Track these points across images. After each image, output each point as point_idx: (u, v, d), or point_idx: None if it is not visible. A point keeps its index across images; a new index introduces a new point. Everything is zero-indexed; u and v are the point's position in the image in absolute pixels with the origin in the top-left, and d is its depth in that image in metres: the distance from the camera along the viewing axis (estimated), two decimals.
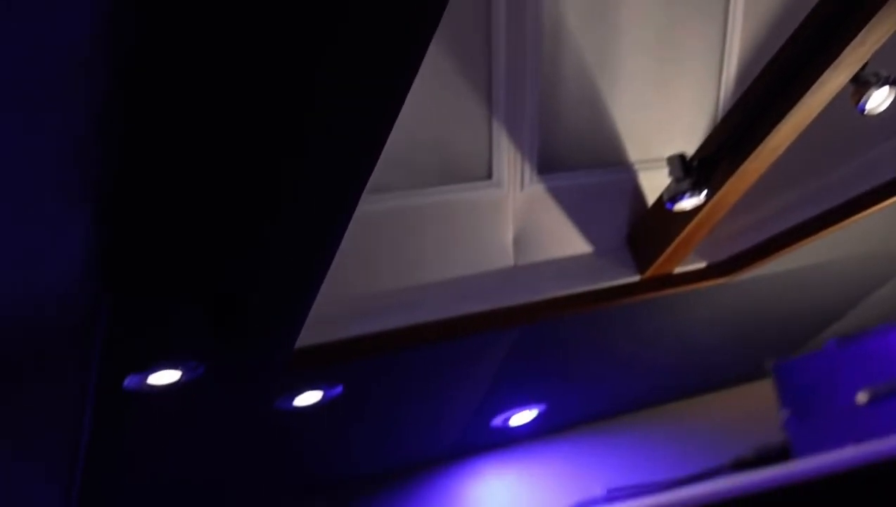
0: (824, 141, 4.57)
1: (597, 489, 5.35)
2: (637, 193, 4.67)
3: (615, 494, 1.39)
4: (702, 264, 4.90)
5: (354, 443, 5.69)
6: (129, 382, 4.20)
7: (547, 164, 4.49)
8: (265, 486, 6.01)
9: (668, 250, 4.62)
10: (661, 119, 4.47)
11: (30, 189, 3.01)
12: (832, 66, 3.61)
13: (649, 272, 4.75)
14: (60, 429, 4.48)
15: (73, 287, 3.53)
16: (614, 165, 4.57)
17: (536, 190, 4.54)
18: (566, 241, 4.73)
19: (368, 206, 4.14)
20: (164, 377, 4.25)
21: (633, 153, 4.56)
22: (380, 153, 3.34)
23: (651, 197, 4.66)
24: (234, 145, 3.11)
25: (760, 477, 1.43)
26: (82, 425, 4.40)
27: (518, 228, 4.62)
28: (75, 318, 3.70)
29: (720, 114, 4.43)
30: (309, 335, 4.36)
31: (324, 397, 4.85)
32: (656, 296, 4.83)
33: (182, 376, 4.26)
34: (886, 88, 3.97)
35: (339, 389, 4.83)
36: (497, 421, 5.82)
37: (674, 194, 4.21)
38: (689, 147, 4.32)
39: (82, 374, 4.04)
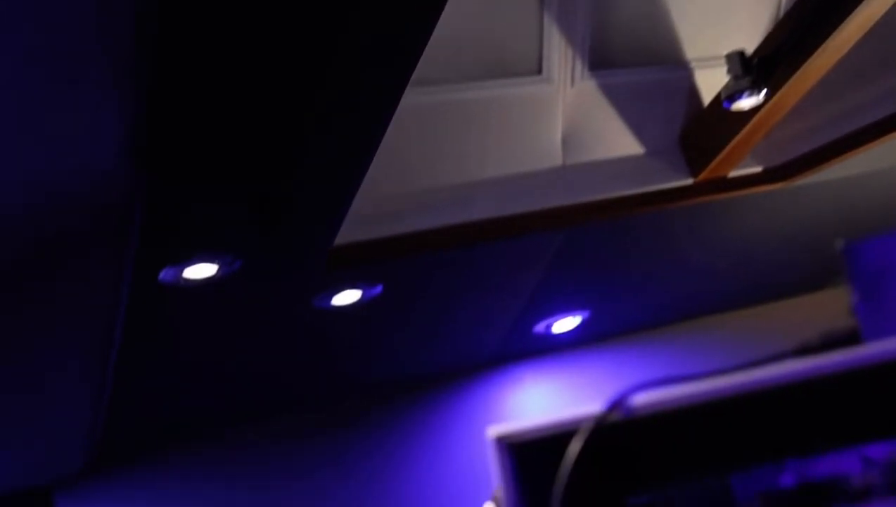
0: (892, 40, 4.49)
1: None
2: (693, 93, 4.61)
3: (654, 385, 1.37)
4: (757, 169, 4.84)
5: (394, 346, 5.72)
6: (164, 274, 4.22)
7: (599, 60, 4.43)
8: (300, 387, 6.06)
9: (724, 153, 4.57)
10: (720, 14, 4.40)
11: (69, 67, 3.00)
12: None
13: (703, 175, 4.70)
14: (94, 321, 4.52)
15: (110, 173, 3.53)
16: (670, 62, 4.51)
17: (588, 87, 4.50)
18: (617, 141, 4.69)
19: (412, 99, 4.09)
20: (201, 271, 4.27)
21: (690, 50, 4.49)
22: (426, 40, 3.31)
23: (707, 97, 4.59)
24: (278, 27, 3.09)
25: (828, 361, 1.41)
26: (116, 317, 4.44)
27: (567, 126, 4.58)
28: (111, 206, 3.70)
29: (783, 8, 4.34)
30: (349, 232, 4.36)
31: (363, 296, 4.86)
32: (709, 200, 4.78)
33: (219, 270, 4.28)
34: None
35: (378, 289, 4.84)
36: (539, 327, 5.83)
37: (732, 93, 4.16)
38: (750, 44, 4.24)
39: (117, 265, 4.06)
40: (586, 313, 5.79)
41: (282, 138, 3.58)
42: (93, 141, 3.29)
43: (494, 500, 1.52)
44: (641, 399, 1.48)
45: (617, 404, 1.46)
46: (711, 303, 6.02)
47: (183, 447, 6.32)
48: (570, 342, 6.07)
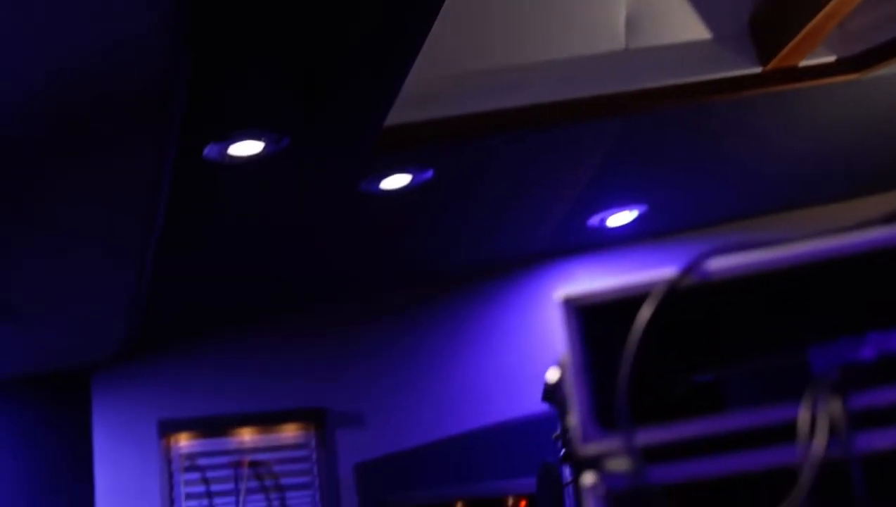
0: None
1: None
2: None
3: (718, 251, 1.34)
4: (830, 58, 4.75)
5: (444, 235, 5.71)
6: (209, 151, 4.22)
7: None
8: (346, 275, 6.08)
9: (795, 40, 4.48)
10: None
11: None
12: None
13: (772, 64, 4.62)
14: (136, 198, 4.53)
15: (154, 44, 3.51)
16: None
17: None
18: (683, 25, 4.61)
19: None
20: (246, 148, 4.27)
21: None
22: None
23: None
24: None
25: None
26: (159, 194, 4.44)
27: (632, 7, 4.51)
28: (156, 80, 3.68)
29: None
30: (400, 113, 4.34)
31: (413, 181, 4.85)
32: (778, 91, 4.70)
33: (265, 147, 4.28)
34: None
35: (429, 173, 4.82)
36: (594, 221, 5.79)
37: None
38: None
39: (161, 139, 4.06)
40: (643, 208, 5.75)
41: (332, 7, 3.54)
42: (137, 10, 3.26)
43: (560, 366, 1.50)
44: (718, 263, 1.45)
45: (692, 268, 1.44)
46: (777, 200, 5.94)
47: (221, 333, 6.38)
48: (625, 237, 6.04)
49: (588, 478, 1.45)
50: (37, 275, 5.16)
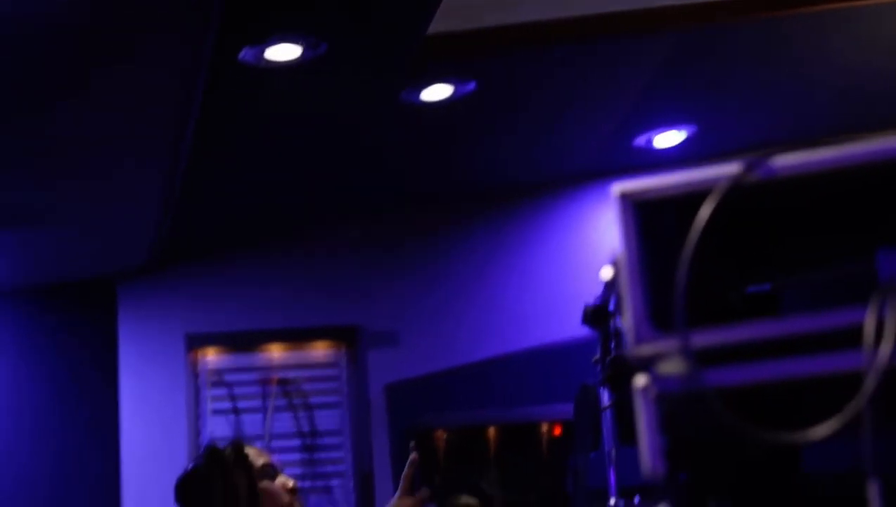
0: None
1: None
2: None
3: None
4: None
5: (483, 151, 5.69)
6: (245, 54, 4.21)
7: None
8: (382, 190, 6.08)
9: None
10: None
11: None
12: None
13: None
14: (169, 104, 4.52)
15: None
16: None
17: None
18: None
19: None
20: (283, 53, 4.25)
21: None
22: None
23: None
24: None
25: None
26: (192, 100, 4.43)
27: None
28: None
29: None
30: (443, 21, 4.31)
31: (454, 93, 4.83)
32: (841, 7, 4.63)
33: (302, 52, 4.26)
34: None
35: (471, 85, 4.80)
36: (640, 140, 5.74)
37: None
38: None
39: (197, 41, 4.04)
40: (693, 128, 5.69)
41: None
42: None
43: (615, 264, 1.49)
44: (784, 161, 1.43)
45: (757, 163, 1.42)
46: (836, 123, 5.85)
47: (253, 246, 6.38)
48: (672, 159, 5.97)
49: (640, 380, 1.45)
50: (63, 179, 5.17)
